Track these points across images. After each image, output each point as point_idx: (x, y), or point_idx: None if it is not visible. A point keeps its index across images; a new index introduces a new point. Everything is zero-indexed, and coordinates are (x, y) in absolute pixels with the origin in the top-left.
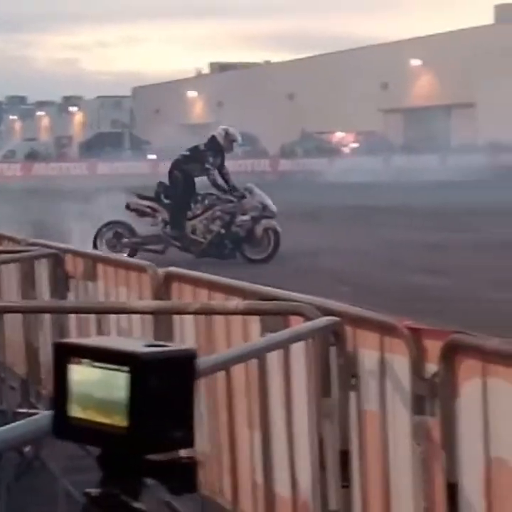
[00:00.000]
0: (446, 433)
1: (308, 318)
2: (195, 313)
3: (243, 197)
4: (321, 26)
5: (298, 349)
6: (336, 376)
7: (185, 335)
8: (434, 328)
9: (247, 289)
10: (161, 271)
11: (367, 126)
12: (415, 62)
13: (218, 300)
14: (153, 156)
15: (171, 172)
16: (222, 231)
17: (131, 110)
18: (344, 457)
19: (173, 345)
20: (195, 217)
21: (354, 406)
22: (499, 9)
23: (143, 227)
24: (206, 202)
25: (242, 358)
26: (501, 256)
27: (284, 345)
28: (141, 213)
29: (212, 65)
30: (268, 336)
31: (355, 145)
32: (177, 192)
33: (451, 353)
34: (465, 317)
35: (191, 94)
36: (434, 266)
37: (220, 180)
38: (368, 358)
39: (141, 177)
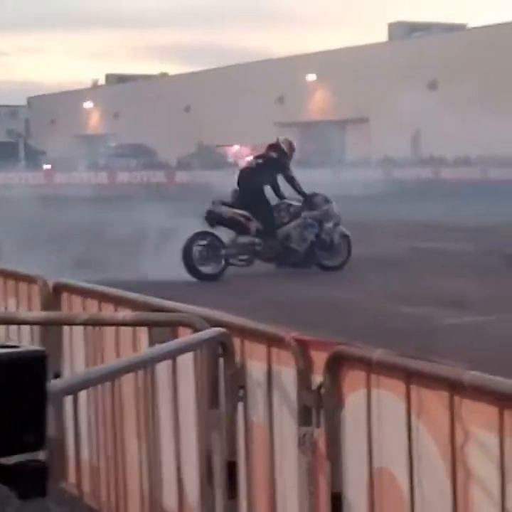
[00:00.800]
0: (331, 444)
1: (196, 330)
2: (84, 324)
3: (318, 204)
4: (218, 40)
5: (186, 360)
6: (223, 387)
7: (75, 346)
8: (320, 339)
9: (137, 301)
10: (50, 282)
11: (263, 140)
12: (311, 77)
13: (108, 311)
14: (49, 166)
15: (245, 180)
16: (314, 239)
17: (26, 120)
18: (231, 468)
19: (23, 347)
20: (283, 225)
21: (241, 417)
22: (393, 27)
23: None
24: (291, 210)
25: (128, 368)
26: (394, 270)
27: (171, 356)
28: (232, 222)
29: (108, 76)
30: (156, 346)
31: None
32: (260, 200)
33: (337, 364)
34: (357, 329)
35: (87, 105)
36: (327, 278)
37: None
38: (255, 369)
39: (37, 187)
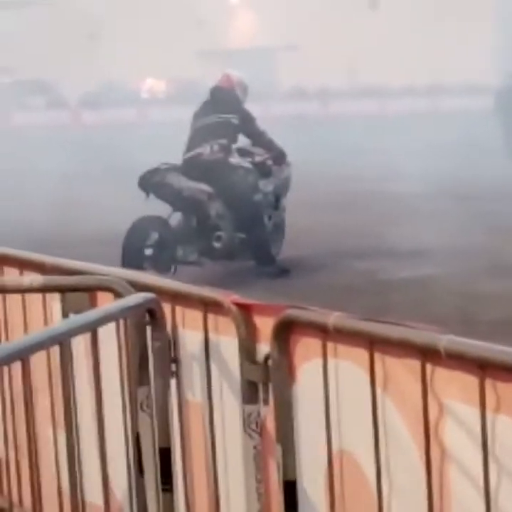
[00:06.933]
0: (281, 424)
1: (118, 295)
2: None
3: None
4: None
5: (107, 332)
6: (152, 362)
7: None
8: (265, 303)
9: (46, 263)
10: None
11: (181, 73)
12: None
13: (13, 276)
14: None
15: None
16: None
17: None
18: (165, 455)
19: None
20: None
21: (175, 396)
22: None
23: None
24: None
25: (40, 344)
26: None
27: (90, 327)
28: (190, 203)
29: None
30: (72, 317)
31: (168, 93)
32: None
33: (286, 331)
34: None
35: None
36: None
37: None
38: (189, 339)
39: None
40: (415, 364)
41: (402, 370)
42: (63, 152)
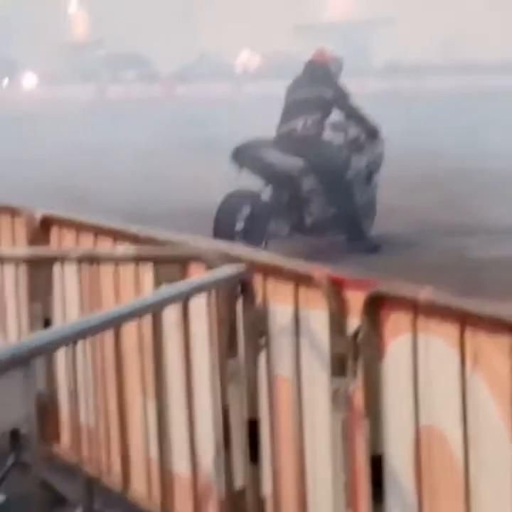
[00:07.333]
0: (369, 398)
1: (210, 266)
2: (78, 261)
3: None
4: None
5: (199, 303)
6: (242, 334)
7: (67, 287)
8: (357, 277)
9: (139, 234)
10: (37, 213)
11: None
12: None
13: (105, 246)
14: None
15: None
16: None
17: None
18: (252, 428)
19: None
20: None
21: (264, 368)
22: None
23: None
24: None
25: (133, 313)
26: None
27: (182, 298)
28: (282, 178)
29: None
30: (164, 287)
31: (262, 67)
32: (321, 143)
33: (377, 306)
34: None
35: (71, 8)
36: None
37: None
38: (280, 312)
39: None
40: (507, 341)
41: (493, 348)
42: (157, 125)
